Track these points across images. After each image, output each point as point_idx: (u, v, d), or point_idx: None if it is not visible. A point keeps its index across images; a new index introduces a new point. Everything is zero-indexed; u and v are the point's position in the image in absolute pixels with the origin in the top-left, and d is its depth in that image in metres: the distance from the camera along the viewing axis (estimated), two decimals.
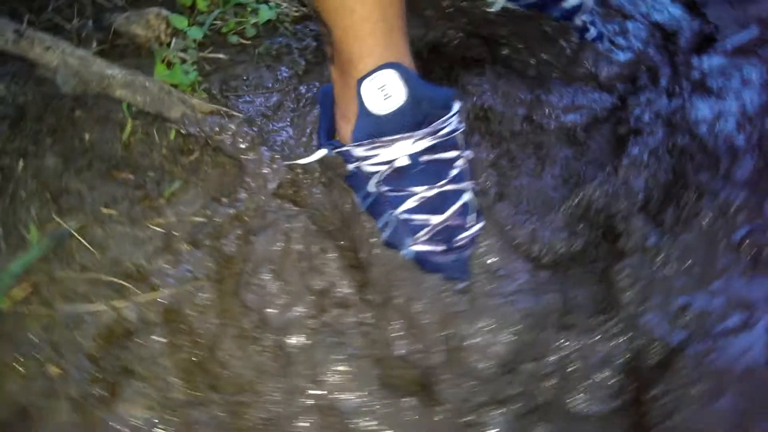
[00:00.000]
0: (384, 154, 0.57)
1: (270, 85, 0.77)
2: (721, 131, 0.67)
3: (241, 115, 0.66)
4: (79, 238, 0.56)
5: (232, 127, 0.64)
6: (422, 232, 0.58)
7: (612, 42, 0.89)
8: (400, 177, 0.58)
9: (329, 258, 0.60)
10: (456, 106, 0.59)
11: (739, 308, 0.50)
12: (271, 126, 0.72)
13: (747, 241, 0.54)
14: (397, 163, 0.58)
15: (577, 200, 0.67)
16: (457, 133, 0.59)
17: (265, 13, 0.79)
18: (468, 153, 0.60)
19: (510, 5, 0.82)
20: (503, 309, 0.53)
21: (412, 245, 0.58)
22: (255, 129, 0.67)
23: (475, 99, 0.79)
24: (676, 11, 0.93)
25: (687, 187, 0.62)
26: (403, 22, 0.55)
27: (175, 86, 0.68)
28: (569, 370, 0.51)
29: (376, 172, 0.59)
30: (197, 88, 0.69)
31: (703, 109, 0.71)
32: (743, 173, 0.62)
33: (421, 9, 0.89)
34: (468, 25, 0.88)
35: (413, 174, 0.58)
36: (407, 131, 0.56)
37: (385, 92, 0.54)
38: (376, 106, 0.54)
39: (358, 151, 0.59)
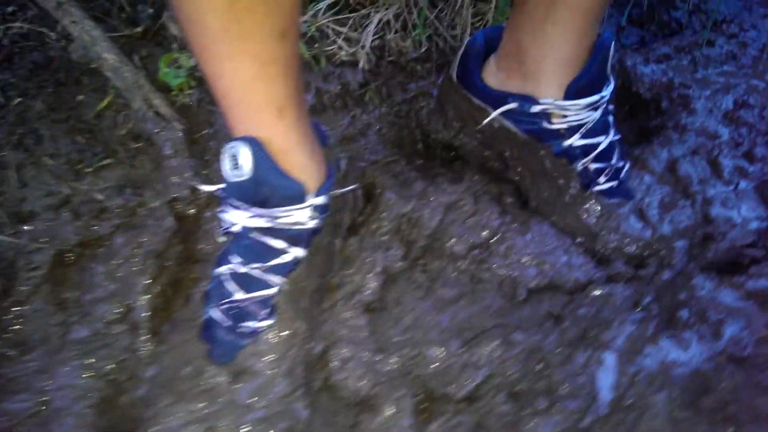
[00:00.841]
0: (230, 214, 0.59)
1: None
2: (593, 370, 0.52)
3: (182, 126, 0.72)
4: (14, 171, 0.70)
5: (166, 134, 0.71)
6: (225, 301, 0.58)
7: (641, 210, 0.73)
8: (232, 241, 0.59)
9: (159, 282, 0.64)
10: (307, 203, 0.57)
11: None
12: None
13: None
14: (233, 228, 0.59)
15: (415, 354, 0.60)
16: (301, 227, 0.58)
17: None
18: (299, 251, 0.58)
19: (509, 125, 0.73)
20: (210, 410, 0.51)
21: (213, 307, 0.59)
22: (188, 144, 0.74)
23: (424, 205, 0.74)
24: (749, 213, 0.72)
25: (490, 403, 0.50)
26: (274, 107, 0.54)
27: (169, 86, 0.78)
28: None
29: (223, 227, 0.60)
30: (185, 91, 0.78)
31: (617, 339, 0.55)
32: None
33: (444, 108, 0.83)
34: (479, 134, 0.80)
35: (239, 244, 0.58)
36: (247, 204, 0.57)
37: (235, 162, 0.55)
38: (226, 172, 0.56)
39: (224, 202, 0.61)
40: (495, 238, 0.74)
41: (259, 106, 0.54)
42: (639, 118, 0.97)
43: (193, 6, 0.47)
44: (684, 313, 0.58)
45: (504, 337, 0.60)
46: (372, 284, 0.67)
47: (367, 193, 0.76)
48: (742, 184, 0.75)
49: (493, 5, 1.04)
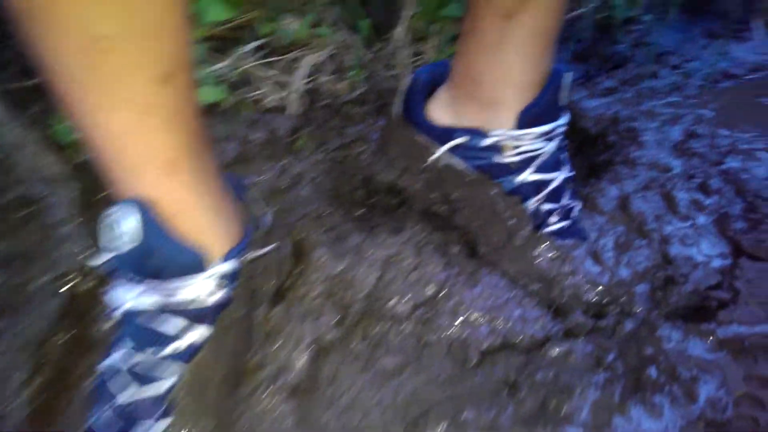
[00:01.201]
0: (117, 291, 0.49)
1: None
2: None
3: (76, 188, 0.63)
4: None
5: (57, 198, 0.62)
6: (120, 397, 0.48)
7: (596, 253, 0.67)
8: (122, 324, 0.50)
9: (41, 376, 0.53)
10: (208, 272, 0.48)
11: None
12: None
13: None
14: (122, 308, 0.49)
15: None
16: (202, 302, 0.49)
17: (209, 93, 0.76)
18: (203, 330, 0.49)
19: (457, 163, 0.66)
20: None
21: (98, 409, 0.48)
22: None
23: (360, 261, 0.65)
24: (710, 251, 0.67)
25: None
26: (161, 161, 0.45)
27: (64, 143, 0.69)
28: None
29: (110, 308, 0.51)
30: (80, 149, 0.69)
31: (581, 411, 0.48)
32: None
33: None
34: (424, 173, 0.74)
35: (129, 328, 0.49)
36: (137, 277, 0.48)
37: (116, 230, 0.46)
38: (108, 242, 0.47)
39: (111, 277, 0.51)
40: (441, 294, 0.66)
41: (141, 162, 0.45)
42: (586, 154, 0.93)
43: (45, 44, 0.38)
44: (652, 371, 0.51)
45: (453, 414, 0.52)
46: (301, 360, 0.58)
47: (296, 251, 0.67)
48: (700, 219, 0.70)
49: (433, 44, 1.00)
